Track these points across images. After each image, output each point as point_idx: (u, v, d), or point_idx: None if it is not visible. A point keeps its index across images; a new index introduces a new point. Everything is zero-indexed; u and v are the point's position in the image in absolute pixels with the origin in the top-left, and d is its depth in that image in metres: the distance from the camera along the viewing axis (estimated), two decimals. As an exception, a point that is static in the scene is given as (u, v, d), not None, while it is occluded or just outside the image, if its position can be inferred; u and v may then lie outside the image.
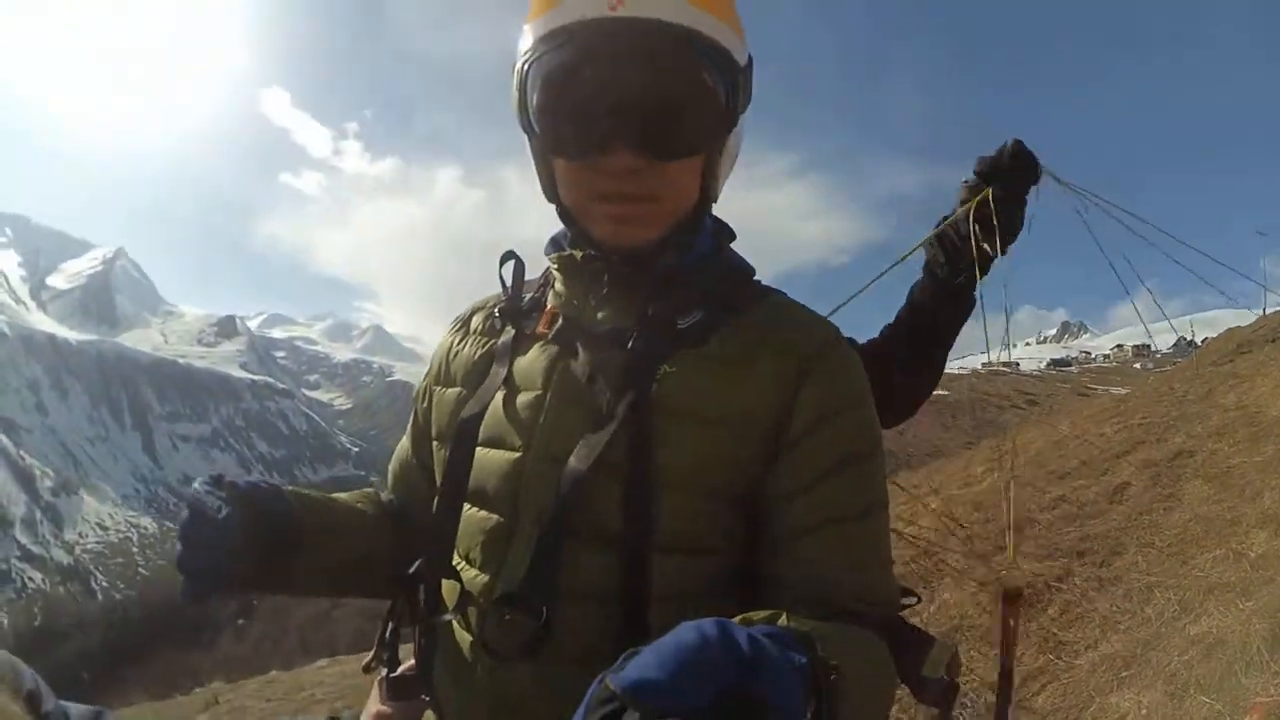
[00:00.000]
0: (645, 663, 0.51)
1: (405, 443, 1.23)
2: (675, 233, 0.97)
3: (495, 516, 0.96)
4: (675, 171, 0.93)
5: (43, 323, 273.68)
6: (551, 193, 1.00)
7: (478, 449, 1.00)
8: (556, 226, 1.06)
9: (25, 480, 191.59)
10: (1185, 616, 4.27)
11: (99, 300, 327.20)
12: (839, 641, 0.69)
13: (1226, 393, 7.84)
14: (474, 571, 0.96)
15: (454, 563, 0.99)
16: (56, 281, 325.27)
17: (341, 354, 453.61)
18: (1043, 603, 5.25)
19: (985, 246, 1.40)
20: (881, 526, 0.93)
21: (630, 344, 0.94)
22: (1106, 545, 5.49)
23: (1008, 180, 1.45)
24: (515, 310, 1.07)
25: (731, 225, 1.08)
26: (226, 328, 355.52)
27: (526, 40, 0.92)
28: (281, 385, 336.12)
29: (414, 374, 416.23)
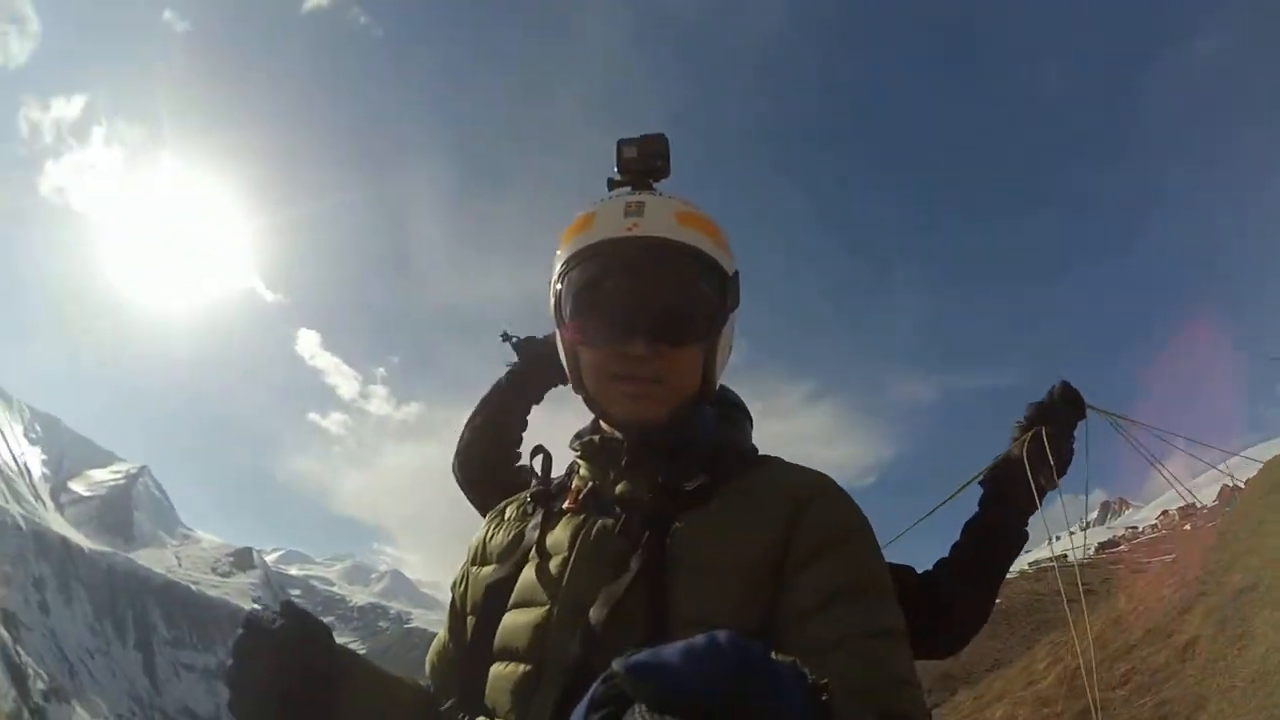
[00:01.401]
0: (655, 650, 0.52)
1: (442, 633, 1.32)
2: (680, 411, 1.16)
3: (522, 667, 1.05)
4: (679, 358, 1.13)
5: (58, 524, 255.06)
6: (577, 381, 1.21)
7: (507, 613, 1.11)
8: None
9: (18, 677, 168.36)
10: None
11: (117, 513, 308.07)
12: (853, 703, 0.74)
13: (1276, 519, 8.31)
14: None
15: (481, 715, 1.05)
16: (78, 487, 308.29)
17: (359, 597, 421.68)
18: None
19: (1040, 480, 1.56)
20: (897, 649, 0.97)
21: (645, 508, 1.09)
22: (1187, 704, 5.46)
23: (1058, 420, 1.61)
24: (545, 494, 1.24)
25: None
26: (243, 559, 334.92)
27: (562, 258, 1.17)
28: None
29: (432, 621, 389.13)
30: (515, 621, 1.09)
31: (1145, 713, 5.77)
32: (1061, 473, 1.58)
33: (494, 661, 1.10)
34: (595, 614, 0.99)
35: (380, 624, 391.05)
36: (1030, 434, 1.59)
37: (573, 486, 1.24)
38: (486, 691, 1.08)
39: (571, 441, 1.28)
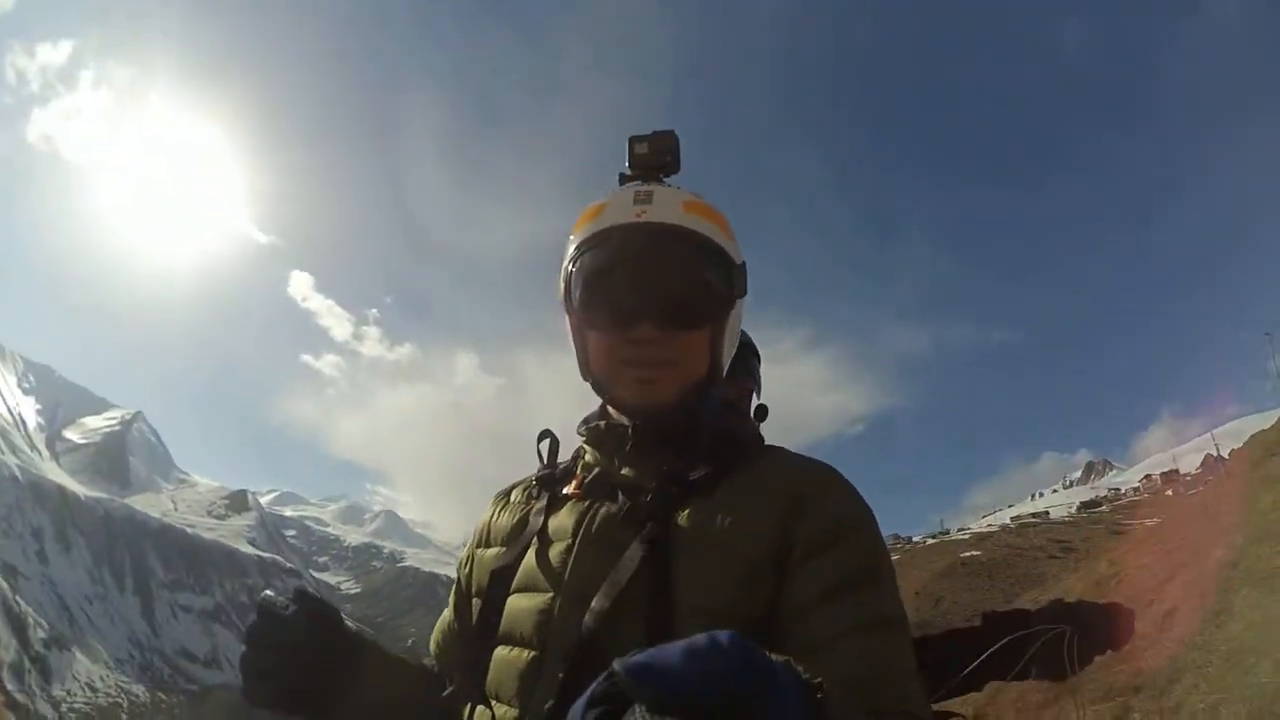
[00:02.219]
0: (654, 651, 0.52)
1: (447, 613, 1.33)
2: (688, 396, 1.17)
3: (526, 653, 1.05)
4: (687, 342, 1.15)
5: (54, 473, 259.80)
6: (585, 368, 1.21)
7: (510, 596, 1.12)
8: (572, 413, 1.29)
9: (18, 627, 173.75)
10: None
11: (112, 459, 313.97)
12: (849, 703, 0.73)
13: (1262, 496, 7.95)
14: (504, 706, 1.04)
15: (485, 697, 1.07)
16: (73, 435, 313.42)
17: (352, 537, 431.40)
18: None
19: (1040, 671, 1.61)
20: (898, 641, 0.98)
21: (649, 495, 1.09)
22: (1163, 675, 5.46)
23: (1096, 634, 1.63)
24: (550, 479, 1.25)
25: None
26: (238, 502, 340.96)
27: (573, 244, 1.18)
28: (289, 565, 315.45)
29: (425, 560, 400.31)
30: (519, 606, 1.10)
31: (1121, 679, 5.82)
32: (1069, 675, 1.55)
33: (497, 645, 1.10)
34: (599, 602, 0.99)
35: (374, 563, 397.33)
36: (1054, 633, 1.49)
37: (578, 472, 1.24)
38: (490, 675, 1.08)
39: (578, 427, 1.28)
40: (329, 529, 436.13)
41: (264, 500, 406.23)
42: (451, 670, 1.25)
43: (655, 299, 1.12)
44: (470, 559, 1.29)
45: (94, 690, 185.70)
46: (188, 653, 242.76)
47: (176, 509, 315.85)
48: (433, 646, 1.34)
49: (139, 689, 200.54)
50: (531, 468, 1.31)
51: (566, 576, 1.07)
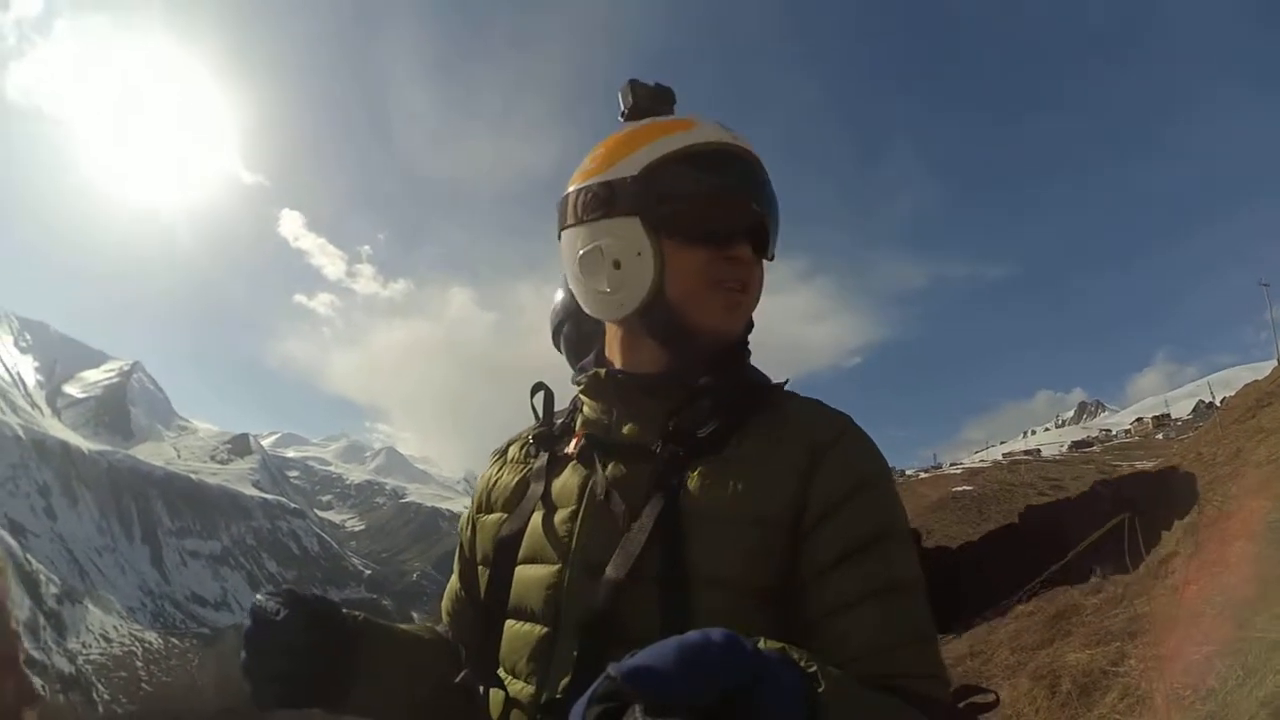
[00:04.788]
0: (649, 654, 0.53)
1: (454, 580, 1.30)
2: (744, 330, 1.13)
3: (538, 628, 1.02)
4: (761, 271, 1.11)
5: (56, 429, 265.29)
6: (654, 287, 1.05)
7: (518, 566, 1.08)
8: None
9: (30, 585, 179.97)
10: (1250, 680, 4.20)
11: (113, 411, 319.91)
12: (849, 688, 0.72)
13: (1256, 448, 8.14)
14: (519, 683, 1.02)
15: (498, 674, 1.05)
16: (72, 390, 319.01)
17: (355, 475, 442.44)
18: (1101, 689, 5.21)
19: (1104, 567, 1.23)
20: (912, 603, 0.95)
21: (655, 455, 1.03)
22: (1158, 623, 5.43)
23: (1157, 510, 1.32)
24: (548, 436, 1.18)
25: (754, 333, 1.20)
26: (240, 445, 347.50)
27: (667, 151, 1.06)
28: (294, 505, 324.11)
29: (427, 495, 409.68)
30: (527, 577, 1.06)
31: (1118, 624, 5.81)
32: (1137, 562, 1.37)
33: (508, 618, 1.07)
34: (610, 575, 0.95)
35: (377, 500, 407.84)
36: (1113, 525, 1.31)
37: (577, 428, 1.16)
38: (503, 649, 1.06)
39: (575, 375, 1.20)
40: (331, 468, 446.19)
41: (265, 443, 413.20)
42: (465, 640, 1.21)
43: (758, 224, 1.08)
44: (471, 524, 1.24)
45: (108, 641, 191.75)
46: (198, 597, 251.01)
47: (180, 456, 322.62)
48: (444, 615, 1.29)
49: (152, 636, 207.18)
50: (529, 410, 1.21)
51: (573, 547, 1.03)
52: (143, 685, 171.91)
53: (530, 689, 1.00)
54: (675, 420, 1.05)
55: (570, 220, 1.11)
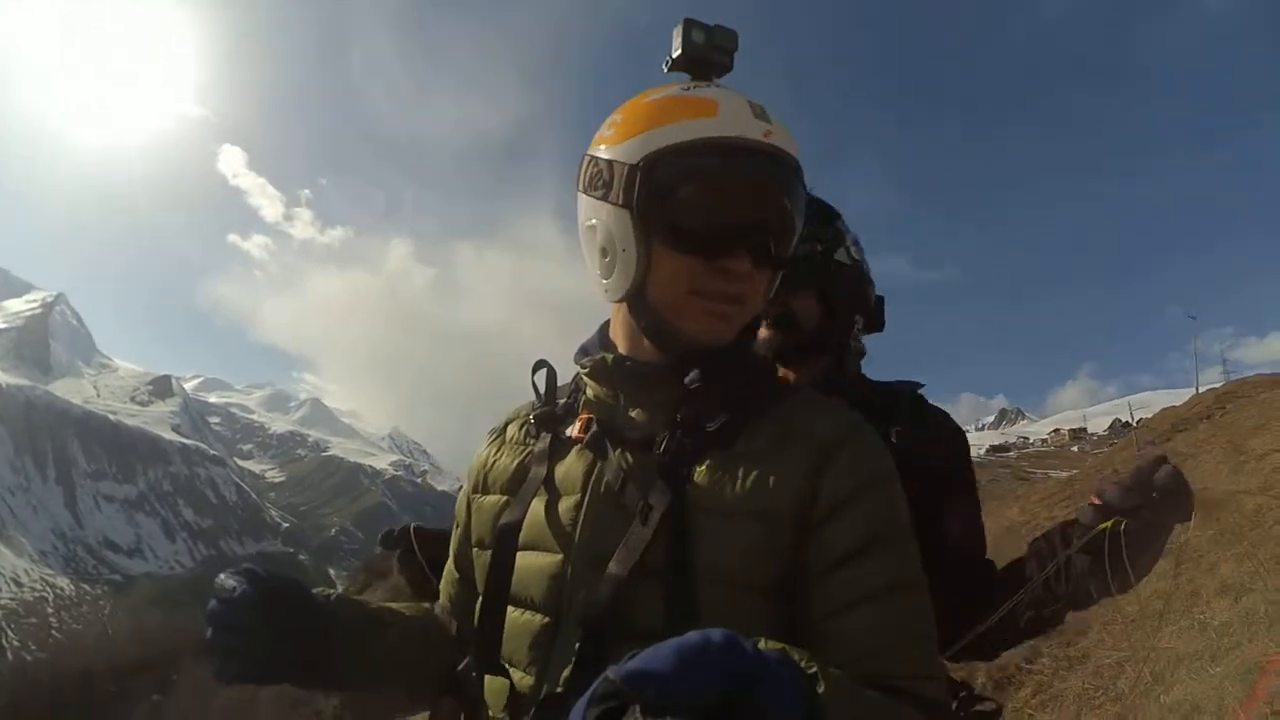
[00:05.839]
0: (648, 655, 0.53)
1: (450, 564, 1.28)
2: (741, 336, 1.07)
3: (540, 618, 1.01)
4: (763, 282, 1.04)
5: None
6: (637, 287, 1.02)
7: (519, 553, 1.06)
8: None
9: None
10: (1158, 687, 4.40)
11: (33, 344, 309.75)
12: (850, 689, 0.74)
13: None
14: (519, 673, 1.01)
15: (500, 662, 1.04)
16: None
17: (278, 425, 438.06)
18: (1015, 684, 5.53)
19: (1097, 585, 1.18)
20: (915, 605, 0.95)
21: (662, 447, 1.00)
22: (1071, 626, 5.07)
23: (1151, 513, 1.16)
24: (550, 417, 1.13)
25: None
26: (161, 387, 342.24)
27: (667, 141, 0.98)
28: (213, 452, 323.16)
29: (351, 450, 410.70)
30: (529, 566, 1.04)
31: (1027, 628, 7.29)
32: (1139, 576, 1.15)
33: (508, 605, 1.06)
34: (614, 570, 0.94)
35: (298, 451, 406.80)
36: (1104, 527, 1.16)
37: (581, 410, 1.12)
38: (504, 639, 1.04)
39: (577, 355, 1.16)
40: (254, 416, 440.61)
41: (188, 386, 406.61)
42: (463, 625, 1.19)
43: (760, 233, 1.00)
44: (468, 504, 1.20)
45: (19, 585, 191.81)
46: (111, 543, 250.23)
47: (99, 395, 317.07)
48: (443, 599, 1.28)
49: (64, 581, 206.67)
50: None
51: (577, 538, 1.01)
52: (53, 633, 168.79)
53: (530, 679, 0.99)
54: (684, 411, 1.03)
55: (580, 186, 1.07)
